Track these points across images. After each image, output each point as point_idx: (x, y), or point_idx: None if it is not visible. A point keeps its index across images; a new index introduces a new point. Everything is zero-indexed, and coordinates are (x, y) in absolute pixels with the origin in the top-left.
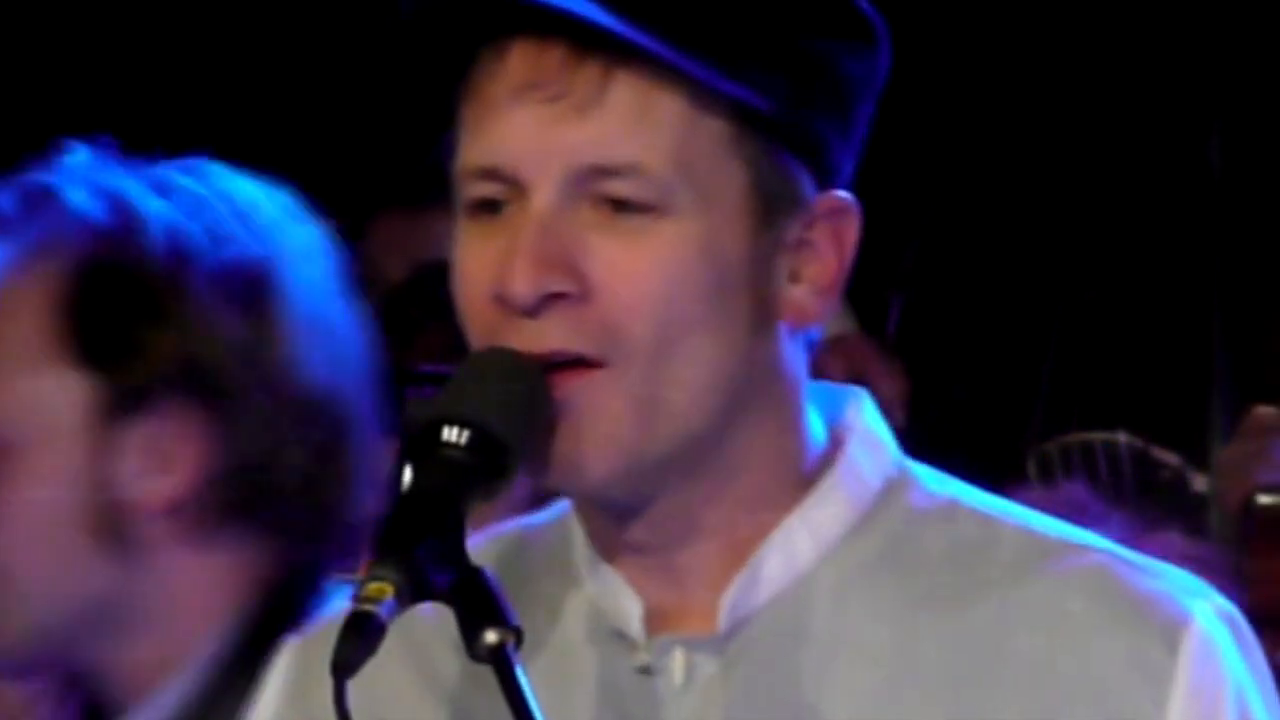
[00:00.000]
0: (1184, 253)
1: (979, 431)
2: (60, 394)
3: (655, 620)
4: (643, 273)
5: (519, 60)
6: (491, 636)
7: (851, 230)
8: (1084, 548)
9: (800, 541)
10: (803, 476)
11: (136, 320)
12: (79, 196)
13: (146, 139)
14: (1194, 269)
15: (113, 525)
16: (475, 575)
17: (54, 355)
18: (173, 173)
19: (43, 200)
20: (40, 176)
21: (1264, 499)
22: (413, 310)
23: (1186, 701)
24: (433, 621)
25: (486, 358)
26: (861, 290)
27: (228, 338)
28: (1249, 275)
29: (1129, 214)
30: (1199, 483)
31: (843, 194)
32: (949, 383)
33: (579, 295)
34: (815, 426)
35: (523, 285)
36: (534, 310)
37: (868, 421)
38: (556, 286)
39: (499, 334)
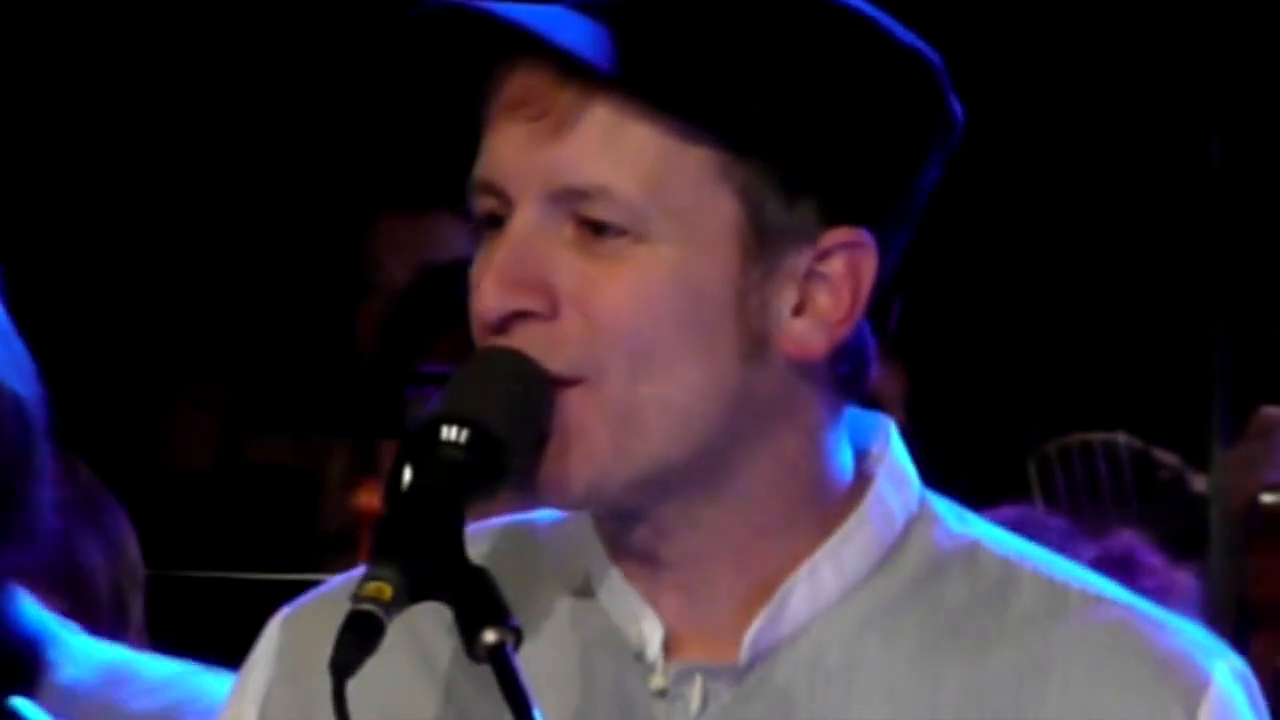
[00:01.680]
0: (1184, 252)
1: (979, 432)
2: None
3: (672, 641)
4: (611, 295)
5: (513, 80)
6: (490, 636)
7: (868, 267)
8: (1104, 600)
9: (826, 577)
10: (829, 507)
11: None
12: None
13: (153, 138)
14: (1194, 269)
15: None
16: (474, 575)
17: None
18: None
19: None
20: None
21: (1269, 498)
22: (419, 313)
23: None
24: (435, 616)
25: (489, 357)
26: None
27: None
28: (1249, 275)
29: (1129, 213)
30: (1198, 483)
31: (858, 229)
32: (949, 383)
33: (547, 314)
34: (844, 456)
35: (489, 302)
36: (500, 327)
37: (895, 454)
38: (522, 305)
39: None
